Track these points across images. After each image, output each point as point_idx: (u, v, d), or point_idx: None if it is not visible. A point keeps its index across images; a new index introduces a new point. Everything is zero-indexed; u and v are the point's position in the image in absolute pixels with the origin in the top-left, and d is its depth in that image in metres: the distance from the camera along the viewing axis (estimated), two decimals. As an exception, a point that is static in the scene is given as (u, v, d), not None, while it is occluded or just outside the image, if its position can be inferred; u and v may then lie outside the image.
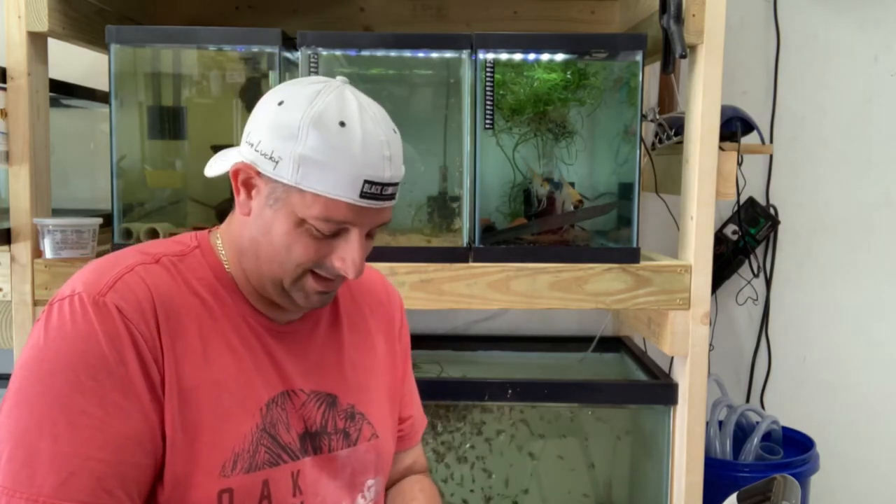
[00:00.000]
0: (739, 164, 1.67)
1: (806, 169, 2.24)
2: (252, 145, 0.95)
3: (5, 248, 1.56)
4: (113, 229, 1.64)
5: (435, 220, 1.72)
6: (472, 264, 1.61)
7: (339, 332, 1.12)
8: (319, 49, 1.59)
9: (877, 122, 2.23)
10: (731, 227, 2.20)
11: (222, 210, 1.62)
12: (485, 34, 1.60)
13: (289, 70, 1.66)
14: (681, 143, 1.71)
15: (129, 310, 0.91)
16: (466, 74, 1.62)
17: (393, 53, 1.65)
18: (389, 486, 1.22)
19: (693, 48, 1.60)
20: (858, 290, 2.26)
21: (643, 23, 1.79)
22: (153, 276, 0.96)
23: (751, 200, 2.22)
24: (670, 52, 1.57)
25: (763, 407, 2.26)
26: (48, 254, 1.55)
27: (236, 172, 0.97)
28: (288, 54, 1.63)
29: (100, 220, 1.60)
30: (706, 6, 1.57)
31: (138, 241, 1.60)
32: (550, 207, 1.73)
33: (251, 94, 1.68)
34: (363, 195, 0.93)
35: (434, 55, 1.67)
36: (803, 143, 2.24)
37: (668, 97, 2.06)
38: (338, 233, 0.96)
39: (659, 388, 1.72)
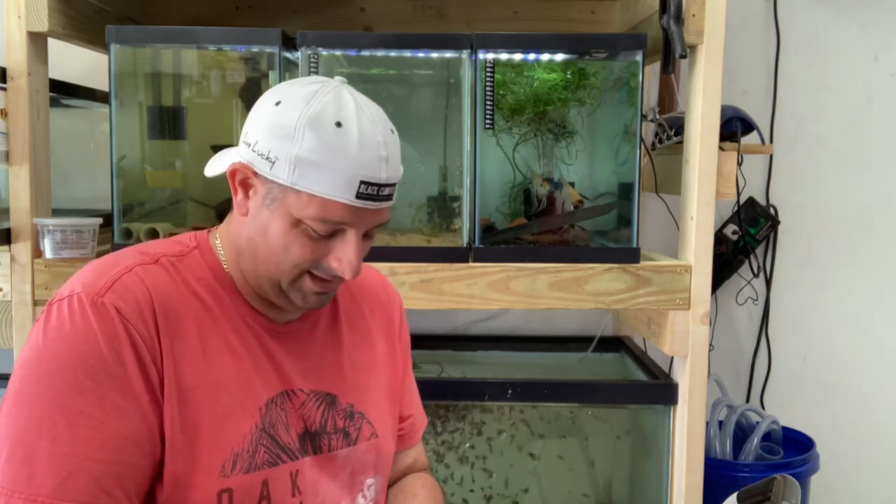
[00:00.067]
0: (739, 164, 1.67)
1: (806, 169, 2.24)
2: (249, 145, 0.95)
3: (5, 248, 1.56)
4: (113, 229, 1.64)
5: (435, 219, 1.72)
6: (472, 264, 1.61)
7: (339, 332, 1.12)
8: (319, 49, 1.59)
9: (877, 122, 2.23)
10: (731, 227, 2.20)
11: (222, 210, 1.62)
12: (485, 34, 1.60)
13: (289, 70, 1.66)
14: (681, 143, 1.71)
15: (127, 310, 0.91)
16: (466, 74, 1.62)
17: (393, 53, 1.65)
18: (390, 486, 1.22)
19: (693, 48, 1.60)
20: (858, 290, 2.26)
21: (643, 23, 1.79)
22: (152, 276, 0.96)
23: (751, 200, 2.21)
24: (670, 52, 1.57)
25: (763, 407, 2.26)
26: (48, 254, 1.55)
27: (233, 172, 0.97)
28: (288, 54, 1.63)
29: (100, 220, 1.60)
30: (706, 6, 1.57)
31: (138, 241, 1.60)
32: (550, 207, 1.73)
33: (251, 94, 1.68)
34: (359, 196, 0.93)
35: (434, 55, 1.67)
36: (803, 143, 2.24)
37: (668, 97, 2.06)
38: (334, 233, 0.96)
39: (659, 388, 1.72)
